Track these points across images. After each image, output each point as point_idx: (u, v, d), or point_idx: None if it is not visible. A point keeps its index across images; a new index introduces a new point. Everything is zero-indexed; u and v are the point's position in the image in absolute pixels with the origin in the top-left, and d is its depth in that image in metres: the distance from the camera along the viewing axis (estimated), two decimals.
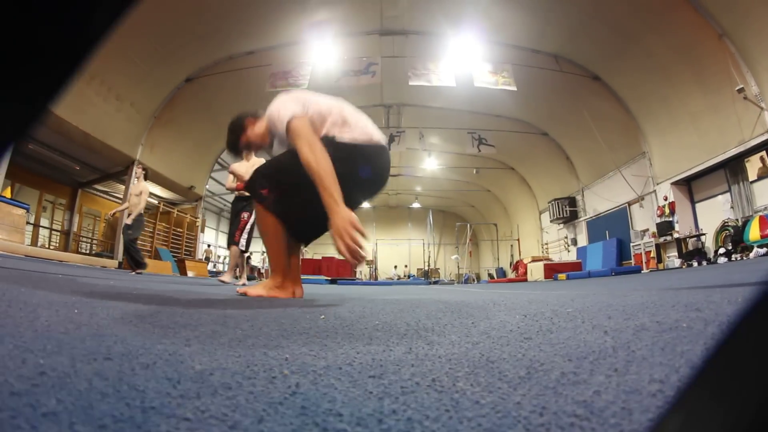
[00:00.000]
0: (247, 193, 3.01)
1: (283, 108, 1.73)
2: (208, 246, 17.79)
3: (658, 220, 9.22)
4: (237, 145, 2.01)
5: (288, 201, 1.76)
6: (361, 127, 1.81)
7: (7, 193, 9.31)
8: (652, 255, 9.30)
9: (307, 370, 0.37)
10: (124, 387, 0.31)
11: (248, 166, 5.20)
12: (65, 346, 0.46)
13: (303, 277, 2.34)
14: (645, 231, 9.80)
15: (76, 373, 0.35)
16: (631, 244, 10.07)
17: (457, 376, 0.35)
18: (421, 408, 0.26)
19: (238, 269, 4.99)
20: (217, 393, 0.30)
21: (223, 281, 4.46)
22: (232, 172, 4.76)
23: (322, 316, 0.86)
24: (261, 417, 0.24)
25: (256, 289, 1.87)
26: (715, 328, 0.58)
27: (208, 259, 15.62)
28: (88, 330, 0.57)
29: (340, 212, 1.36)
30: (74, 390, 0.31)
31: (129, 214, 5.70)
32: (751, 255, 6.54)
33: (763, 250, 6.39)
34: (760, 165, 7.14)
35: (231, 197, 18.85)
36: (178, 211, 12.06)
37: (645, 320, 0.69)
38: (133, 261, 5.81)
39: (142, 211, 5.76)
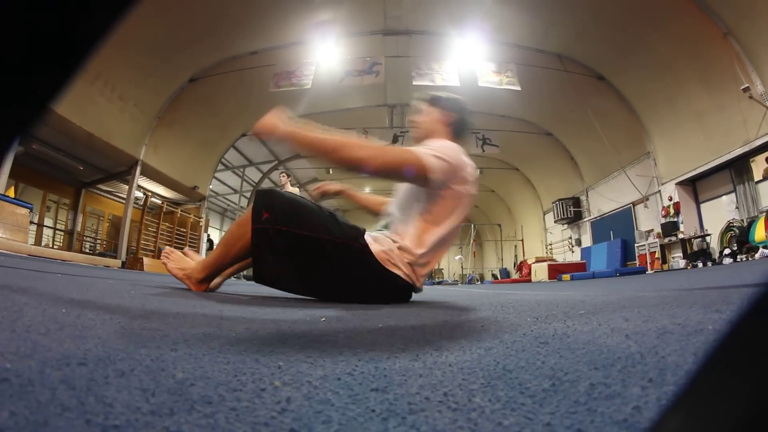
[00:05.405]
0: None
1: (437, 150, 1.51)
2: (211, 247, 17.78)
3: (663, 221, 9.13)
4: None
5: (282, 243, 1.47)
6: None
7: (11, 193, 9.33)
8: (656, 256, 9.20)
9: (302, 381, 0.33)
10: (91, 399, 0.27)
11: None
12: (40, 349, 0.42)
13: None
14: (650, 231, 9.70)
15: (42, 380, 0.31)
16: (636, 245, 9.97)
17: (472, 389, 0.30)
18: None
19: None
20: (194, 409, 0.25)
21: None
22: None
23: (323, 319, 0.82)
24: None
25: (178, 267, 1.74)
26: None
27: None
28: (70, 331, 0.53)
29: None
30: (33, 401, 0.27)
31: None
32: (757, 256, 6.45)
33: None
34: (766, 165, 7.07)
35: (235, 197, 18.76)
36: (181, 211, 12.06)
37: (665, 322, 0.64)
38: None
39: None
